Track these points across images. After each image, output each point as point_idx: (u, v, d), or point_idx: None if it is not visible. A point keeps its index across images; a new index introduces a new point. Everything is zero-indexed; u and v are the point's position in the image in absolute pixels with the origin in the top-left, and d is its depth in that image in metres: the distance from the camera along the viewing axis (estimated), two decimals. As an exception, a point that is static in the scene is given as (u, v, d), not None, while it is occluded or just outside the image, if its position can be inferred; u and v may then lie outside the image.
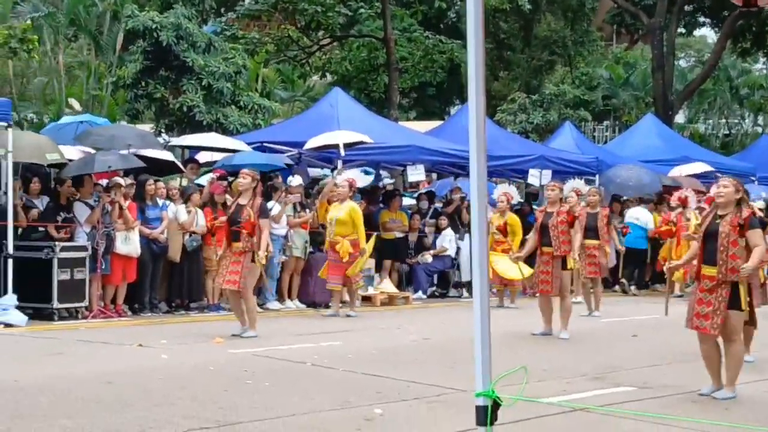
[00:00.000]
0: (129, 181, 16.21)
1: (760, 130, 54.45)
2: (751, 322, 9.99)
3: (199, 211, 16.67)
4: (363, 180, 17.80)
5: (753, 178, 27.46)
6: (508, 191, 18.63)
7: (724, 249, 9.52)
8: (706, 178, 24.62)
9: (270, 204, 16.22)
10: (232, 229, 13.51)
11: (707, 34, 52.54)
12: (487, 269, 3.94)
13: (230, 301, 14.08)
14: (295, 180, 18.20)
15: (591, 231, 17.41)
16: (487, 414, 3.82)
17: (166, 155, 18.19)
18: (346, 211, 16.49)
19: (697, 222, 19.39)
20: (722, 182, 9.82)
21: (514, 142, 25.40)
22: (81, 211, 15.47)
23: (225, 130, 22.99)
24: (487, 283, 3.99)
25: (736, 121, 56.51)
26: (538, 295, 14.88)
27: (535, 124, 36.26)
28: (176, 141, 21.33)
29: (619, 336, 14.84)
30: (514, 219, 18.83)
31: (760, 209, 20.85)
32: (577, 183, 17.43)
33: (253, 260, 13.46)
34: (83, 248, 15.20)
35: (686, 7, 38.79)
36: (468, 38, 3.96)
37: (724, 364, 9.91)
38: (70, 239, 15.39)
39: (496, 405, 3.88)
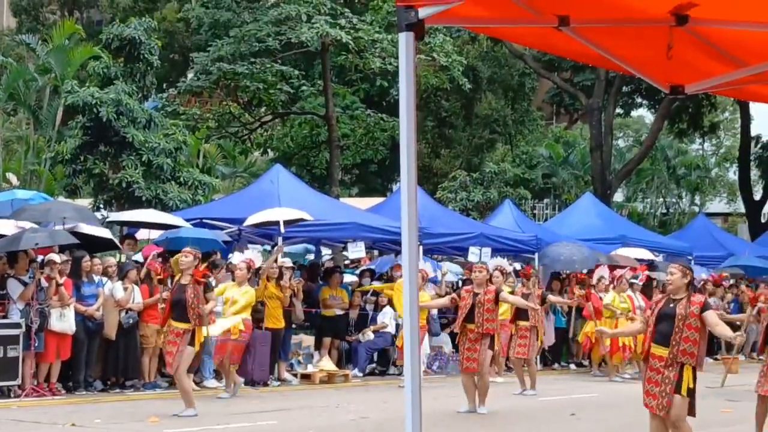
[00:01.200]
0: (64, 257, 16.01)
1: (696, 209, 55.30)
2: (690, 410, 9.92)
3: (136, 287, 16.50)
4: (259, 260, 17.46)
5: (690, 258, 27.76)
6: (423, 267, 18.27)
7: (678, 330, 9.64)
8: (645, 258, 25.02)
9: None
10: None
11: (645, 114, 53.48)
12: (419, 348, 3.93)
13: (178, 383, 13.84)
14: (237, 257, 18.09)
15: (522, 311, 17.61)
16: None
17: (103, 232, 18.02)
18: (242, 294, 16.13)
19: (612, 301, 20.01)
20: (669, 269, 10.00)
21: (454, 219, 25.49)
22: (14, 287, 15.23)
23: (164, 206, 22.88)
24: (418, 362, 3.97)
25: (674, 200, 57.36)
26: (461, 373, 15.06)
27: (476, 202, 36.49)
28: (114, 217, 21.17)
29: (557, 414, 14.82)
30: (423, 296, 18.31)
31: None
32: (500, 261, 17.55)
33: (191, 343, 13.32)
34: (17, 325, 14.94)
35: (624, 89, 39.50)
36: (401, 115, 4.00)
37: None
38: (4, 316, 15.13)
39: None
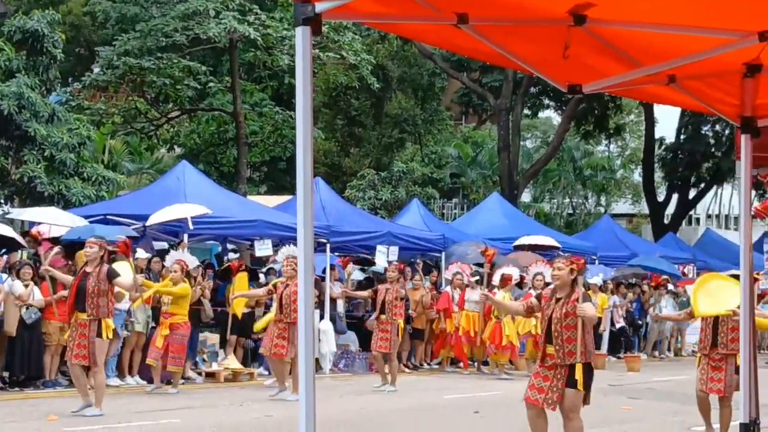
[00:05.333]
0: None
1: (602, 210, 56.11)
2: (584, 400, 10.06)
3: (35, 284, 16.13)
4: None
5: (594, 257, 28.17)
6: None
7: (558, 334, 9.70)
8: (550, 254, 25.24)
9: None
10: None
11: (552, 116, 54.09)
12: (312, 345, 3.90)
13: (74, 376, 13.57)
14: (140, 253, 17.88)
15: (383, 305, 17.81)
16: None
17: (6, 230, 17.62)
18: None
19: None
20: (556, 264, 9.97)
21: (362, 218, 25.55)
22: None
23: (67, 202, 22.47)
24: (312, 360, 3.94)
25: (580, 201, 58.15)
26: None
27: (384, 201, 36.58)
28: (15, 214, 20.78)
29: (461, 412, 14.90)
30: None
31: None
32: (291, 249, 17.26)
33: (99, 334, 13.09)
34: None
35: (531, 90, 39.84)
36: (297, 109, 3.96)
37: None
38: None
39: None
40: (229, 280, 20.54)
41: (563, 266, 9.79)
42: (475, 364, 22.18)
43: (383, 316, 17.81)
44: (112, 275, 13.28)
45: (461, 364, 22.78)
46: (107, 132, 32.02)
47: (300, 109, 3.89)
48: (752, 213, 9.13)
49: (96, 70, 31.70)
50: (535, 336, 20.79)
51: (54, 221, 18.91)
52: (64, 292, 15.46)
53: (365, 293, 20.06)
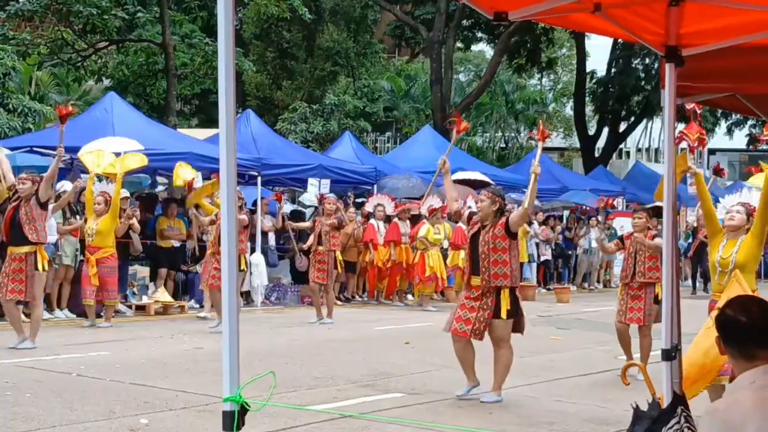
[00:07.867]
0: None
1: (534, 143, 56.39)
2: (516, 328, 10.30)
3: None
4: None
5: (525, 190, 28.30)
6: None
7: (485, 257, 9.92)
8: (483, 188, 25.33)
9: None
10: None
11: (485, 49, 54.05)
12: (237, 274, 3.88)
13: (7, 312, 13.50)
14: (67, 186, 17.64)
15: (320, 237, 17.83)
16: (234, 419, 3.76)
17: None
18: None
19: (426, 233, 20.53)
20: (479, 197, 10.29)
21: (294, 151, 25.41)
22: None
23: (-8, 134, 22.14)
24: (236, 288, 3.92)
25: (512, 134, 58.39)
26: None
27: (316, 134, 36.43)
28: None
29: (392, 343, 15.01)
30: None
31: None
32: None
33: (36, 267, 13.06)
34: None
35: (464, 22, 39.71)
36: (219, 42, 3.90)
37: (492, 368, 10.21)
38: None
39: (244, 410, 3.81)
40: (153, 212, 20.45)
41: (484, 198, 10.12)
42: (407, 296, 22.33)
43: (321, 247, 17.77)
44: (42, 206, 13.16)
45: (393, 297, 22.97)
46: (33, 63, 31.37)
47: (222, 42, 3.83)
48: (687, 146, 9.22)
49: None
50: (462, 269, 20.96)
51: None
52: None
53: (307, 224, 20.01)
